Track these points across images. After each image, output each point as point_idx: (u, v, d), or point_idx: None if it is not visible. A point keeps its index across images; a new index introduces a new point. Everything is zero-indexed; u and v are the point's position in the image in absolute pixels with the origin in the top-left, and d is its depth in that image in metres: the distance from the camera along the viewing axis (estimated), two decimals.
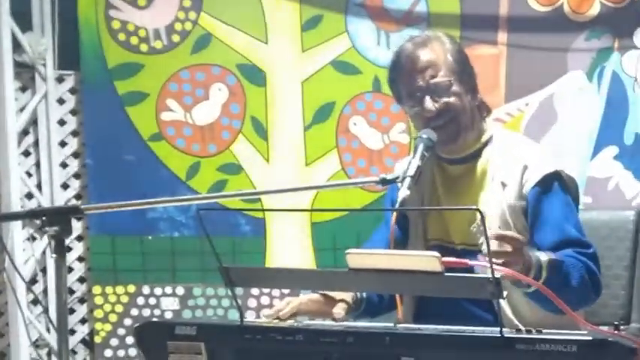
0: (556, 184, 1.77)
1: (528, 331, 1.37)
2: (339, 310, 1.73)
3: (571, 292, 1.66)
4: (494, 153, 1.83)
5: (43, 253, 3.19)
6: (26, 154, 3.23)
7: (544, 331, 1.37)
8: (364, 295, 1.82)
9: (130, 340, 3.11)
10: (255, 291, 3.12)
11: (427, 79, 1.80)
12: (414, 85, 1.80)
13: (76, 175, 3.24)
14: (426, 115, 1.79)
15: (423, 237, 1.86)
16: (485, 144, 1.84)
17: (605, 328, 1.42)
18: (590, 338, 1.30)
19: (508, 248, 1.55)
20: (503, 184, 1.79)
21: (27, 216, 1.88)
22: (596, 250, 1.76)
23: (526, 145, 1.90)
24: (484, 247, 1.74)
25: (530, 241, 1.76)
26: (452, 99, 1.79)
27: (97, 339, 3.15)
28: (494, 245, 1.52)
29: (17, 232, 3.11)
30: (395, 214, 1.77)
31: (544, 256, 1.64)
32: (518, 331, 1.39)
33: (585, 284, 1.70)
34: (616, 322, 1.46)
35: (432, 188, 1.86)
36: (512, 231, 1.75)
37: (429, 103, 1.79)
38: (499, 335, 1.33)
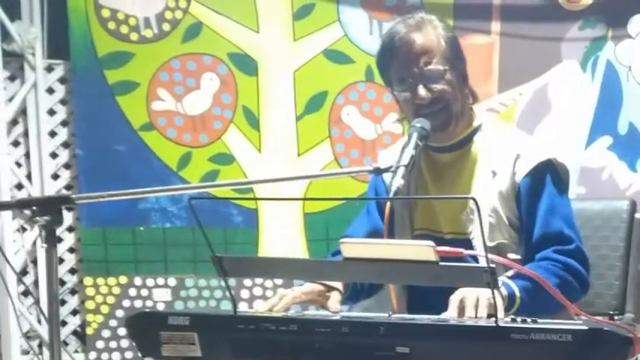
0: (547, 176, 1.76)
1: (523, 321, 1.36)
2: (334, 304, 1.72)
3: (549, 300, 1.58)
4: (484, 141, 1.82)
5: (34, 244, 3.17)
6: (15, 144, 3.20)
7: (539, 320, 1.36)
8: None
9: (121, 331, 3.10)
10: (247, 282, 3.11)
11: (421, 65, 1.76)
12: (408, 71, 1.77)
13: (66, 166, 3.22)
14: (418, 102, 1.77)
15: (409, 227, 1.85)
16: (474, 132, 1.83)
17: (599, 319, 1.41)
18: (586, 328, 1.29)
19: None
20: (494, 173, 1.78)
21: (17, 206, 1.85)
22: (581, 244, 1.74)
23: (517, 135, 1.88)
24: (473, 236, 1.75)
25: (522, 231, 1.75)
26: (445, 87, 1.76)
27: (89, 330, 3.14)
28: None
29: (7, 223, 3.09)
30: (389, 204, 1.75)
31: (513, 287, 1.62)
32: (514, 320, 1.38)
33: (564, 284, 1.68)
34: (610, 312, 1.46)
35: (418, 177, 1.85)
36: (502, 221, 1.75)
37: (422, 91, 1.76)
38: (494, 325, 1.32)
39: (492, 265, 1.33)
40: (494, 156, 1.79)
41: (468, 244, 1.73)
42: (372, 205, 1.92)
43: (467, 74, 1.83)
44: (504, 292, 1.61)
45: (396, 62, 1.79)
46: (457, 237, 1.78)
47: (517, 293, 1.62)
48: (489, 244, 1.72)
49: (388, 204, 1.73)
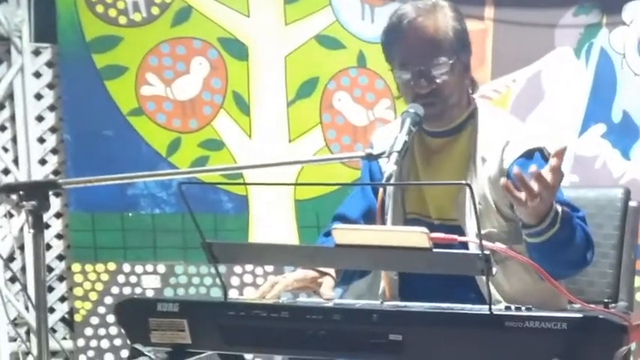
0: (538, 155, 1.74)
1: (517, 309, 1.35)
2: (327, 291, 1.70)
3: (574, 249, 1.65)
4: (476, 128, 1.80)
5: (21, 230, 3.14)
6: (2, 128, 3.16)
7: (534, 309, 1.35)
8: None
9: (110, 318, 3.08)
10: (238, 269, 3.09)
11: (426, 55, 1.73)
12: (411, 58, 1.74)
13: (54, 151, 3.18)
14: (416, 90, 1.75)
15: (402, 210, 1.84)
16: (468, 118, 1.81)
17: (593, 307, 1.40)
18: (580, 315, 1.28)
19: (535, 187, 1.50)
20: (483, 159, 1.76)
21: (3, 190, 1.83)
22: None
23: (509, 121, 1.87)
24: (461, 222, 1.73)
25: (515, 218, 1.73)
26: (446, 79, 1.74)
27: (77, 317, 3.11)
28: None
29: None
30: (381, 189, 1.74)
31: (557, 206, 1.61)
32: (508, 308, 1.37)
33: (584, 243, 1.69)
34: (605, 300, 1.45)
35: (410, 160, 1.83)
36: (491, 208, 1.73)
37: (423, 82, 1.74)
38: (488, 313, 1.31)
39: (487, 252, 1.32)
40: (484, 142, 1.78)
41: (456, 231, 1.72)
42: (365, 178, 1.91)
43: (470, 65, 1.81)
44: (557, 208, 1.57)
45: (401, 46, 1.76)
46: (445, 223, 1.77)
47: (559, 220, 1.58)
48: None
49: (381, 190, 1.71)
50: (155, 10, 3.04)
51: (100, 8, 3.02)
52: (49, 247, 3.15)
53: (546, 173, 1.50)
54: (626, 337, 1.29)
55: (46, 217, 3.08)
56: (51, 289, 3.16)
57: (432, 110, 1.74)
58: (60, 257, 3.19)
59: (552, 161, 1.51)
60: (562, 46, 2.87)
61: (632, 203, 1.97)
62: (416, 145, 1.83)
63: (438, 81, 1.74)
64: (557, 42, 2.87)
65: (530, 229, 1.59)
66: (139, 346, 1.48)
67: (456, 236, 1.46)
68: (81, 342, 3.12)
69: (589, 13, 2.84)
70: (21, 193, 1.53)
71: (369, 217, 1.81)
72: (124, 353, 3.08)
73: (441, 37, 1.74)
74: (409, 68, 1.75)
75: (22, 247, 3.15)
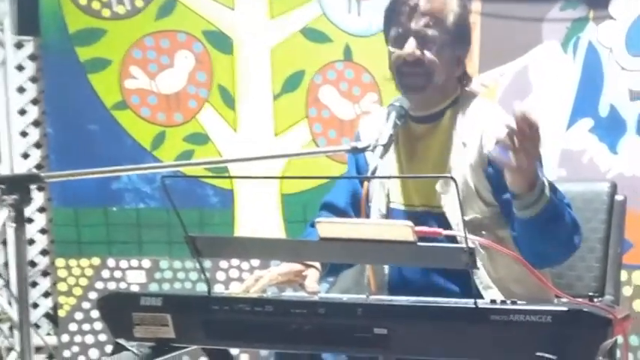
0: None
1: (503, 302, 1.35)
2: (311, 284, 1.69)
3: (564, 227, 1.64)
4: (458, 113, 1.79)
5: (3, 225, 3.11)
6: None
7: (518, 302, 1.35)
8: None
9: (95, 313, 3.06)
10: (223, 264, 3.07)
11: (421, 24, 1.73)
12: (405, 26, 1.74)
13: (37, 145, 3.16)
14: (404, 55, 1.73)
15: (385, 199, 1.83)
16: (451, 104, 1.81)
17: (579, 300, 1.40)
18: (565, 309, 1.28)
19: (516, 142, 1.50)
20: (464, 144, 1.76)
21: None
22: None
23: (492, 107, 1.86)
24: (446, 210, 1.72)
25: (500, 199, 1.72)
26: (435, 55, 1.73)
27: (61, 313, 3.09)
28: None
29: None
30: (366, 183, 1.73)
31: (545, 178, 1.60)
32: (493, 301, 1.37)
33: (572, 225, 1.68)
34: (590, 294, 1.45)
35: (394, 147, 1.81)
36: (473, 194, 1.72)
37: (411, 45, 1.72)
38: (473, 306, 1.31)
39: (472, 246, 1.31)
40: (465, 127, 1.77)
41: (441, 218, 1.71)
42: (352, 169, 1.91)
43: (463, 58, 1.80)
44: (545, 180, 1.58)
45: (401, 13, 1.75)
46: (429, 210, 1.76)
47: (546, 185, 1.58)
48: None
49: (366, 183, 1.70)
50: (139, 3, 3.01)
51: (83, 1, 3.00)
52: (32, 242, 3.13)
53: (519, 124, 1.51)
54: (610, 330, 1.29)
55: (30, 211, 3.06)
56: (35, 284, 3.14)
57: (415, 80, 1.73)
58: (44, 252, 3.17)
59: (516, 112, 1.51)
60: (549, 40, 2.86)
61: (619, 197, 1.97)
62: (400, 131, 1.82)
63: (425, 53, 1.73)
64: (544, 36, 2.86)
65: (523, 199, 1.58)
66: (122, 341, 1.47)
67: (440, 229, 1.45)
68: (65, 337, 3.10)
69: (576, 7, 2.84)
70: (2, 186, 1.51)
71: (357, 204, 1.81)
72: (109, 348, 3.05)
73: (441, 15, 1.74)
74: (401, 38, 1.74)
75: (4, 242, 3.12)
